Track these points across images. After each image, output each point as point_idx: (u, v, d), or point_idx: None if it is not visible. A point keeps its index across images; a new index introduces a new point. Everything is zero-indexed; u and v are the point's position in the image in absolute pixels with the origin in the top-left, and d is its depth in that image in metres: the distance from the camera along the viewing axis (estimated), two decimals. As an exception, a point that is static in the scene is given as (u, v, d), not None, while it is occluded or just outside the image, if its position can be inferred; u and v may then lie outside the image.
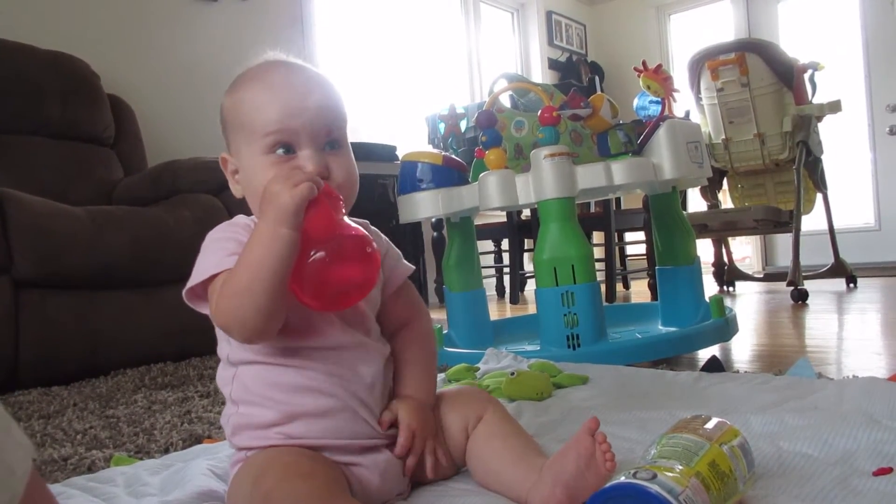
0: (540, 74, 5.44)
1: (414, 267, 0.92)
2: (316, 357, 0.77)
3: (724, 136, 3.55)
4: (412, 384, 0.85)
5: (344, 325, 0.79)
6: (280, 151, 0.77)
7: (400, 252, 0.92)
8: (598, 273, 1.73)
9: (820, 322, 2.49)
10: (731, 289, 3.96)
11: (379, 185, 3.62)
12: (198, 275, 0.76)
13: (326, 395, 0.76)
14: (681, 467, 0.63)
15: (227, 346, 0.80)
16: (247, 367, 0.78)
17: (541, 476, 0.73)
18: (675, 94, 1.85)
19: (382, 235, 0.91)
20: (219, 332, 0.81)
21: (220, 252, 0.76)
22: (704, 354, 1.75)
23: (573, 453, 0.71)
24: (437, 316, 2.99)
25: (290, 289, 0.71)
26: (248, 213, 0.85)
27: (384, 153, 3.70)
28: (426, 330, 0.91)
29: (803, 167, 3.35)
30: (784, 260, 4.98)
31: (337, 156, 0.80)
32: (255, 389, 0.77)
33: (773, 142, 3.45)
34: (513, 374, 1.30)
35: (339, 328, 0.78)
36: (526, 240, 4.15)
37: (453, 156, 1.96)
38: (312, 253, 0.70)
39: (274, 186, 0.70)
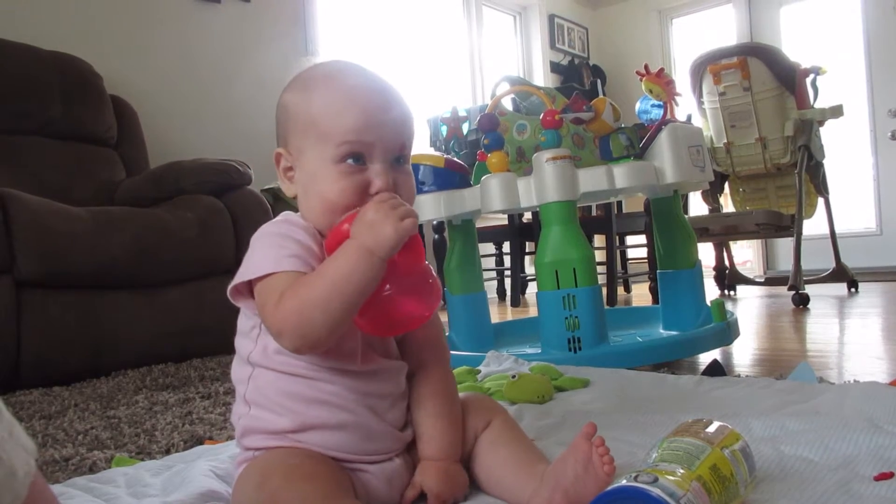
0: (542, 78, 5.45)
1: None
2: (336, 373, 0.75)
3: (725, 140, 3.56)
4: (437, 444, 0.80)
5: (369, 350, 0.78)
6: (350, 161, 0.75)
7: None
8: (599, 276, 1.73)
9: (821, 326, 2.49)
10: (732, 293, 3.96)
11: (380, 187, 3.62)
12: (252, 270, 0.73)
13: (343, 410, 0.75)
14: (682, 471, 0.63)
15: (250, 345, 0.78)
16: (265, 371, 0.77)
17: (541, 482, 0.74)
18: (676, 98, 1.85)
19: None
20: (242, 326, 0.80)
21: (278, 249, 0.73)
22: (705, 358, 1.75)
23: (571, 459, 0.71)
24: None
25: None
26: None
27: (386, 155, 3.70)
28: (447, 374, 0.87)
29: (805, 171, 3.35)
30: (785, 264, 4.98)
31: (403, 172, 0.79)
32: (271, 395, 0.76)
33: (774, 146, 3.46)
34: (514, 376, 1.30)
35: (364, 354, 0.77)
36: (527, 243, 4.15)
37: (455, 158, 1.97)
38: (387, 288, 0.71)
39: (375, 214, 0.68)
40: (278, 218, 0.80)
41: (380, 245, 0.67)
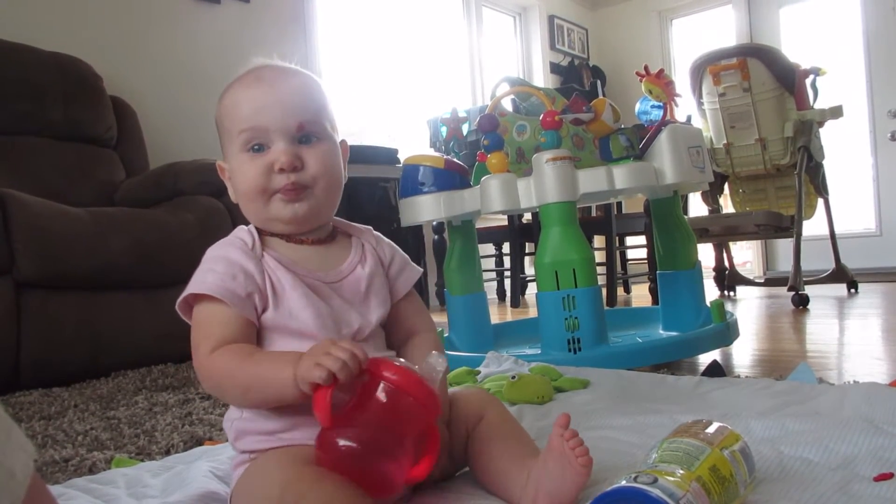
0: (542, 78, 5.45)
1: (421, 270, 0.92)
2: None
3: (725, 141, 3.56)
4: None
5: None
6: (254, 148, 0.79)
7: (407, 256, 0.91)
8: (599, 277, 1.73)
9: (821, 327, 2.49)
10: (731, 293, 3.96)
11: (380, 188, 3.62)
12: (188, 289, 0.77)
13: None
14: (682, 472, 0.63)
15: None
16: None
17: (527, 482, 0.74)
18: (676, 99, 1.85)
19: (385, 238, 0.91)
20: None
21: (205, 273, 0.77)
22: (705, 359, 1.75)
23: (549, 458, 0.72)
24: (438, 319, 2.99)
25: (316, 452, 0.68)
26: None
27: (386, 156, 3.71)
28: (435, 339, 0.89)
29: (805, 172, 3.35)
30: (785, 265, 4.98)
31: (311, 149, 0.80)
32: None
33: (774, 147, 3.46)
34: (513, 377, 1.30)
35: None
36: (527, 243, 4.15)
37: (455, 159, 1.96)
38: (344, 439, 0.65)
39: (312, 351, 0.68)
40: (227, 237, 0.83)
41: (298, 374, 0.67)
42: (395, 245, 0.91)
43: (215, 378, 0.74)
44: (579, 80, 5.64)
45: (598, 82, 5.42)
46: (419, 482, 0.72)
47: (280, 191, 0.79)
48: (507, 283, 4.33)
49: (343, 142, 0.87)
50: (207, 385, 0.76)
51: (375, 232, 0.91)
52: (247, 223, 0.85)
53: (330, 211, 0.85)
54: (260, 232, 0.83)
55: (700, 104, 3.61)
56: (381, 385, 0.67)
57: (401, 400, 0.67)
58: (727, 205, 4.04)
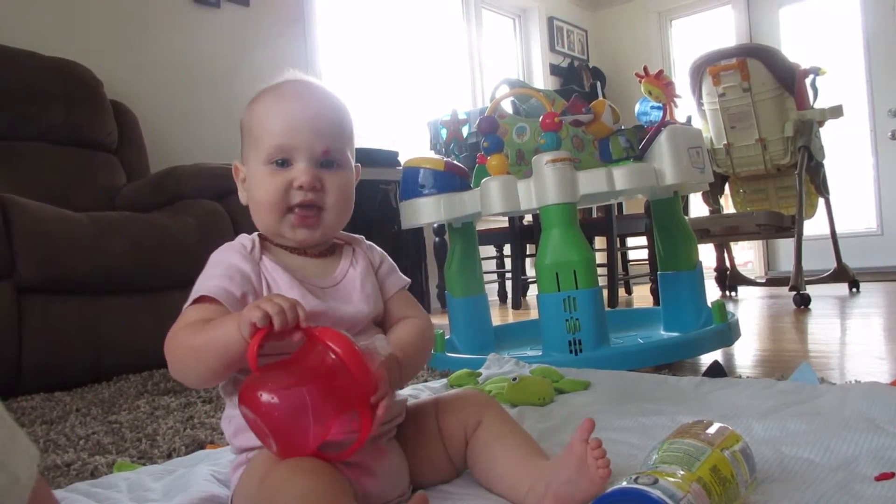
0: (541, 80, 5.45)
1: (409, 280, 0.93)
2: None
3: (725, 142, 3.56)
4: (394, 340, 0.83)
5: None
6: (277, 162, 0.81)
7: (395, 265, 0.93)
8: (599, 278, 1.73)
9: (822, 327, 2.49)
10: (733, 294, 3.96)
11: (381, 190, 3.62)
12: (189, 297, 0.79)
13: None
14: (682, 472, 0.63)
15: None
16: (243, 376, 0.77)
17: (537, 481, 0.74)
18: (676, 100, 1.85)
19: (377, 248, 0.93)
20: None
21: (206, 280, 0.79)
22: (706, 359, 1.75)
23: (566, 460, 0.72)
24: (439, 321, 2.99)
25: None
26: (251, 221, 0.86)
27: (386, 158, 3.71)
28: (423, 324, 0.89)
29: (805, 172, 3.35)
30: (786, 265, 4.98)
31: (331, 174, 0.83)
32: None
33: (774, 147, 3.46)
34: (515, 379, 1.30)
35: None
36: (528, 245, 4.16)
37: (455, 161, 1.97)
38: (262, 393, 0.66)
39: (260, 300, 0.70)
40: (229, 242, 0.85)
41: (241, 317, 0.68)
42: (382, 252, 0.94)
43: (174, 350, 0.76)
44: (579, 81, 5.64)
45: (598, 83, 5.42)
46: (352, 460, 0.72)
47: (296, 207, 0.81)
48: (509, 284, 4.33)
49: (357, 166, 0.89)
50: (170, 361, 0.76)
51: (367, 241, 0.94)
52: (249, 228, 0.86)
53: (336, 233, 0.88)
54: (264, 239, 0.86)
55: (700, 105, 3.61)
56: (319, 349, 0.67)
57: (333, 368, 0.66)
58: (728, 205, 4.04)
